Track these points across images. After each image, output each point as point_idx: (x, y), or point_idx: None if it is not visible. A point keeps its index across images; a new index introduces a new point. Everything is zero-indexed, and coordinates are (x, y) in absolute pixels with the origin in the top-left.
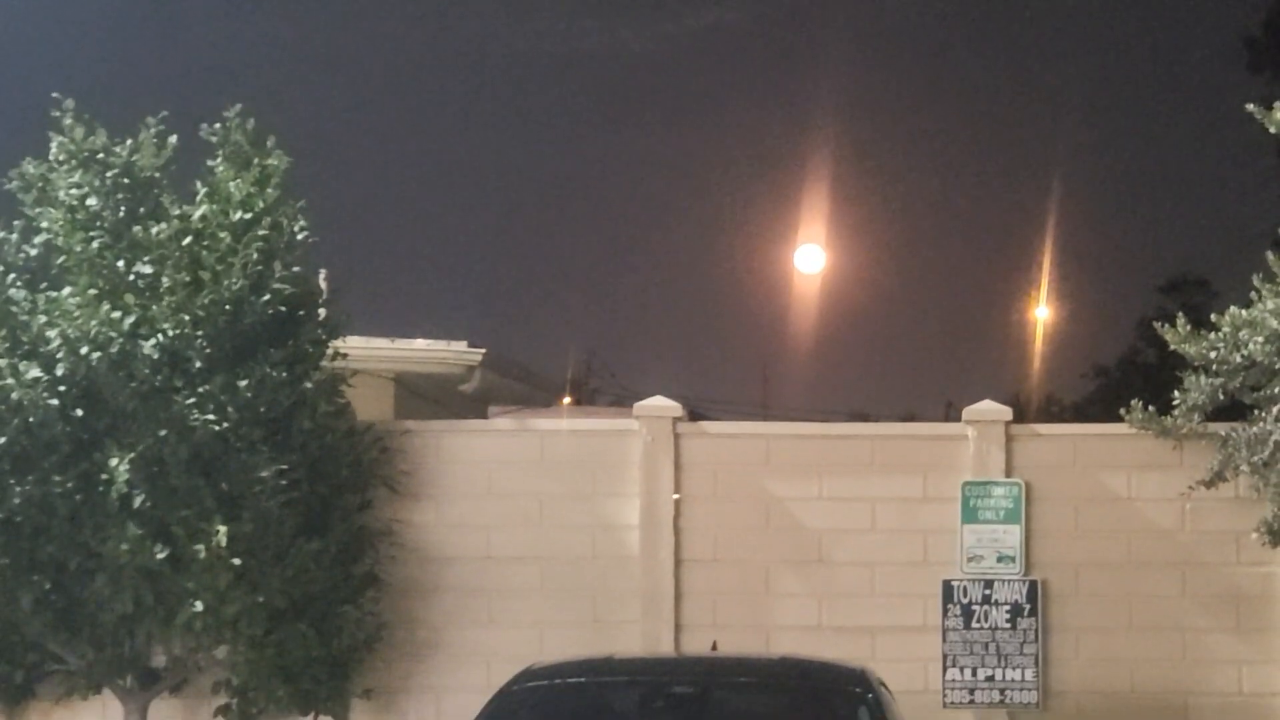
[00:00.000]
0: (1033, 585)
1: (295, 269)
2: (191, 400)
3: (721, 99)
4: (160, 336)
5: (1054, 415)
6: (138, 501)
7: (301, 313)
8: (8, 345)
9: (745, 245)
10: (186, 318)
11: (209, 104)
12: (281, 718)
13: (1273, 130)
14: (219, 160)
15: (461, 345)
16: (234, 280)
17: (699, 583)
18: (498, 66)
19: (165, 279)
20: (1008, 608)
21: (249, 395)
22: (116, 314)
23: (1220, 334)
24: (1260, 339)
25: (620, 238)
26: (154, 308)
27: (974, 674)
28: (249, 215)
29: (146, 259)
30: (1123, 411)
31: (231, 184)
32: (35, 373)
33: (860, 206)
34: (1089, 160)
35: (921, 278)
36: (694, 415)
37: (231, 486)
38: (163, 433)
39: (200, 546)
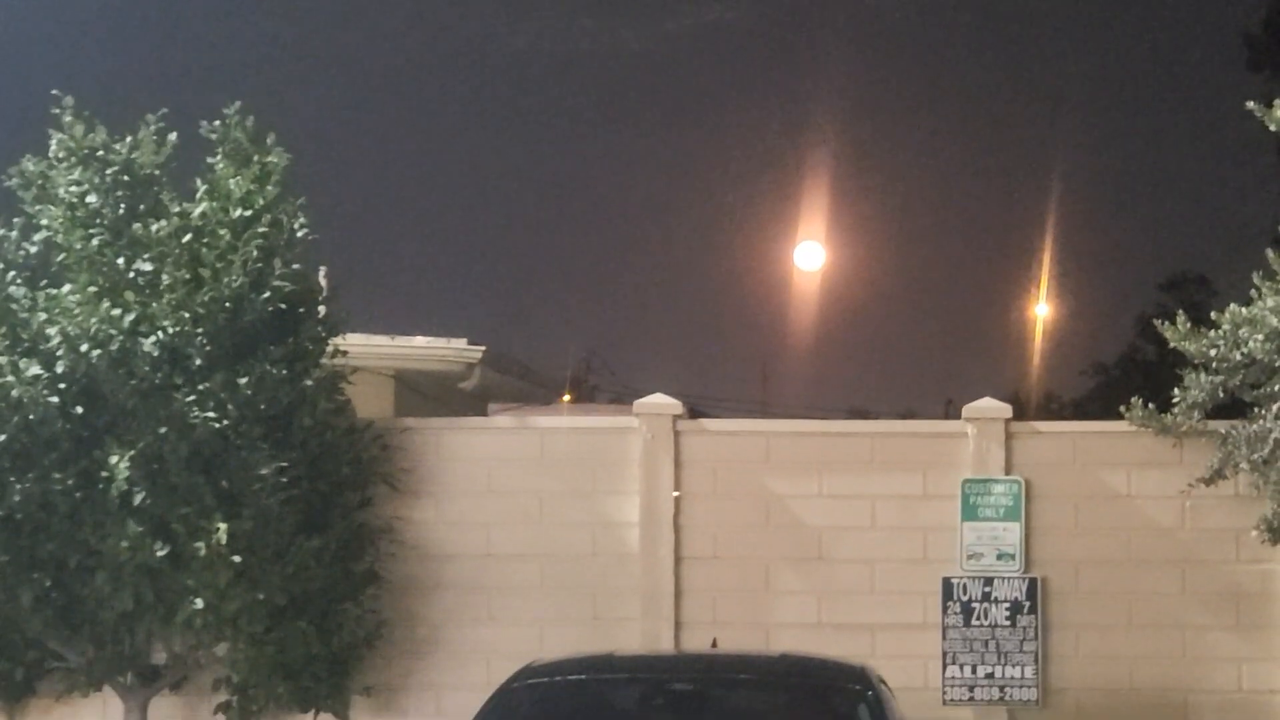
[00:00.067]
0: (1032, 583)
1: (295, 266)
2: (191, 398)
3: (721, 97)
4: (160, 334)
5: (1054, 413)
6: (138, 499)
7: (301, 310)
8: (8, 343)
9: (745, 243)
10: (186, 315)
11: (209, 101)
12: (282, 715)
13: (1272, 128)
14: (219, 157)
15: (461, 343)
16: (234, 278)
17: (699, 580)
18: (497, 65)
19: (165, 276)
20: (1007, 605)
21: (249, 393)
22: (116, 311)
23: (1220, 331)
24: (1260, 336)
25: (620, 236)
26: (154, 305)
27: (974, 671)
28: (249, 212)
29: (146, 256)
30: (1123, 409)
31: (231, 181)
32: (35, 370)
33: (860, 204)
34: (1089, 157)
35: (921, 275)
36: (694, 413)
37: (232, 484)
38: (163, 430)
39: (200, 544)
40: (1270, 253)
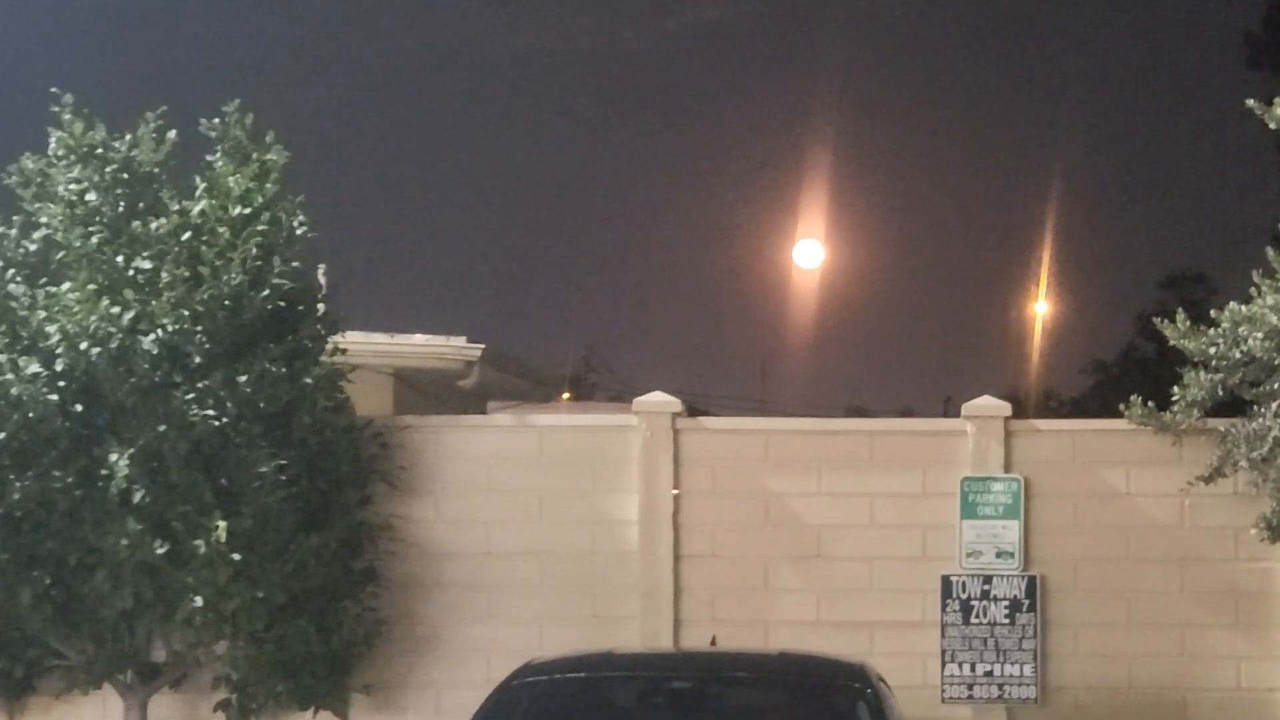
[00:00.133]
0: (1031, 580)
1: (294, 264)
2: (191, 395)
3: (720, 96)
4: (159, 332)
5: (1053, 410)
6: (137, 497)
7: (301, 308)
8: (7, 341)
9: (744, 241)
10: (186, 313)
11: (208, 99)
12: (281, 713)
13: (1272, 126)
14: (218, 155)
15: (460, 341)
16: (233, 275)
17: (698, 578)
18: (496, 64)
19: (164, 274)
20: (1006, 603)
21: (248, 390)
22: (116, 309)
23: (1220, 330)
24: (1260, 334)
25: (619, 234)
26: (153, 303)
27: (973, 669)
28: (248, 210)
29: (146, 254)
30: (1122, 407)
31: (230, 179)
32: (35, 368)
33: (859, 202)
34: (1088, 155)
35: (920, 273)
36: (693, 411)
37: (231, 482)
38: (162, 428)
39: (200, 542)
40: (1270, 251)
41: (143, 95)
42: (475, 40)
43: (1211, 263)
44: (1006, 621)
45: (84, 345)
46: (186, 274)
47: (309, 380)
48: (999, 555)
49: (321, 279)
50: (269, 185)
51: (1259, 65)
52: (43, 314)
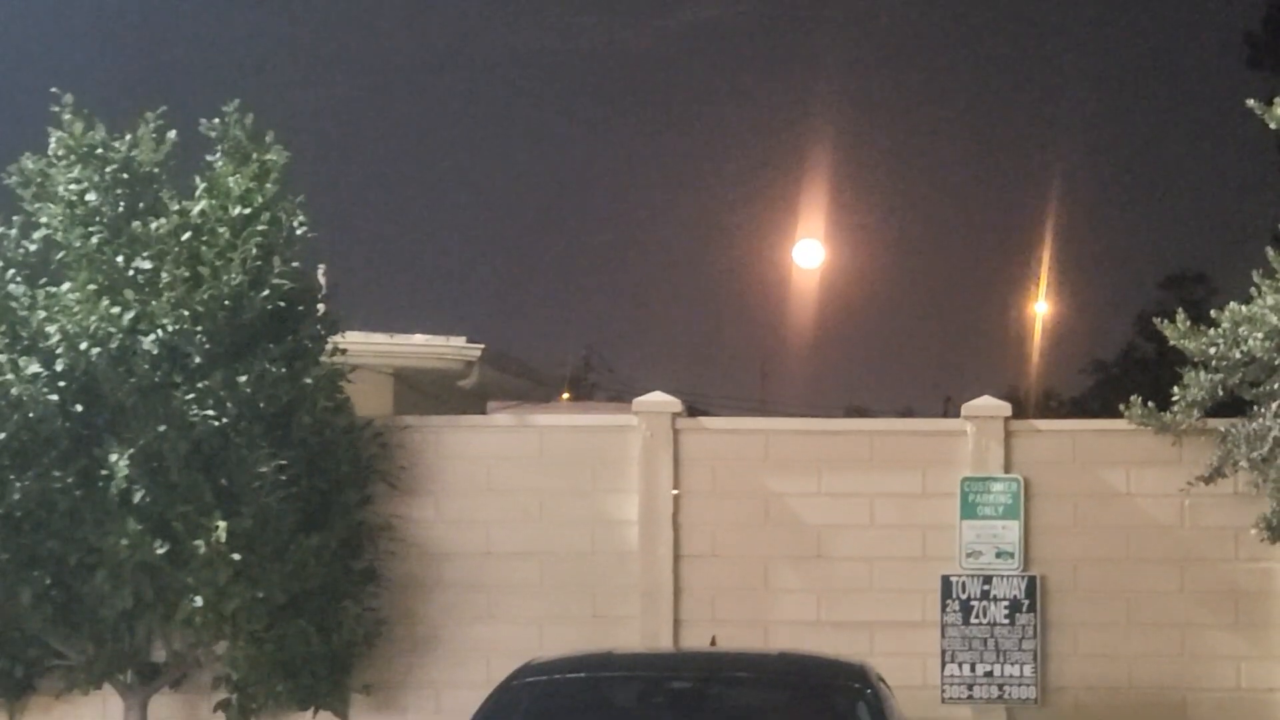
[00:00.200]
0: (1031, 581)
1: (294, 264)
2: (191, 396)
3: (720, 95)
4: (160, 332)
5: (1053, 410)
6: (137, 497)
7: (300, 308)
8: (7, 341)
9: (744, 240)
10: (186, 313)
11: (208, 99)
12: (281, 713)
13: (1273, 126)
14: (218, 155)
15: (460, 341)
16: (233, 275)
17: (698, 578)
18: (496, 62)
19: (164, 274)
20: (1006, 603)
21: (248, 391)
22: (116, 309)
23: (1220, 330)
24: (1260, 335)
25: (619, 233)
26: (153, 303)
27: (972, 669)
28: (248, 210)
29: (146, 254)
30: (1122, 407)
31: (230, 179)
32: (35, 368)
33: (859, 202)
34: (1088, 155)
35: (920, 273)
36: (693, 411)
37: (231, 482)
38: (162, 428)
39: (200, 542)
40: (1270, 251)
41: (143, 95)
42: (475, 40)
43: (1211, 263)
44: (1006, 622)
45: (84, 345)
46: (186, 274)
47: (309, 380)
48: (999, 555)
49: (321, 279)
50: (269, 185)
51: (1259, 65)
52: (43, 314)
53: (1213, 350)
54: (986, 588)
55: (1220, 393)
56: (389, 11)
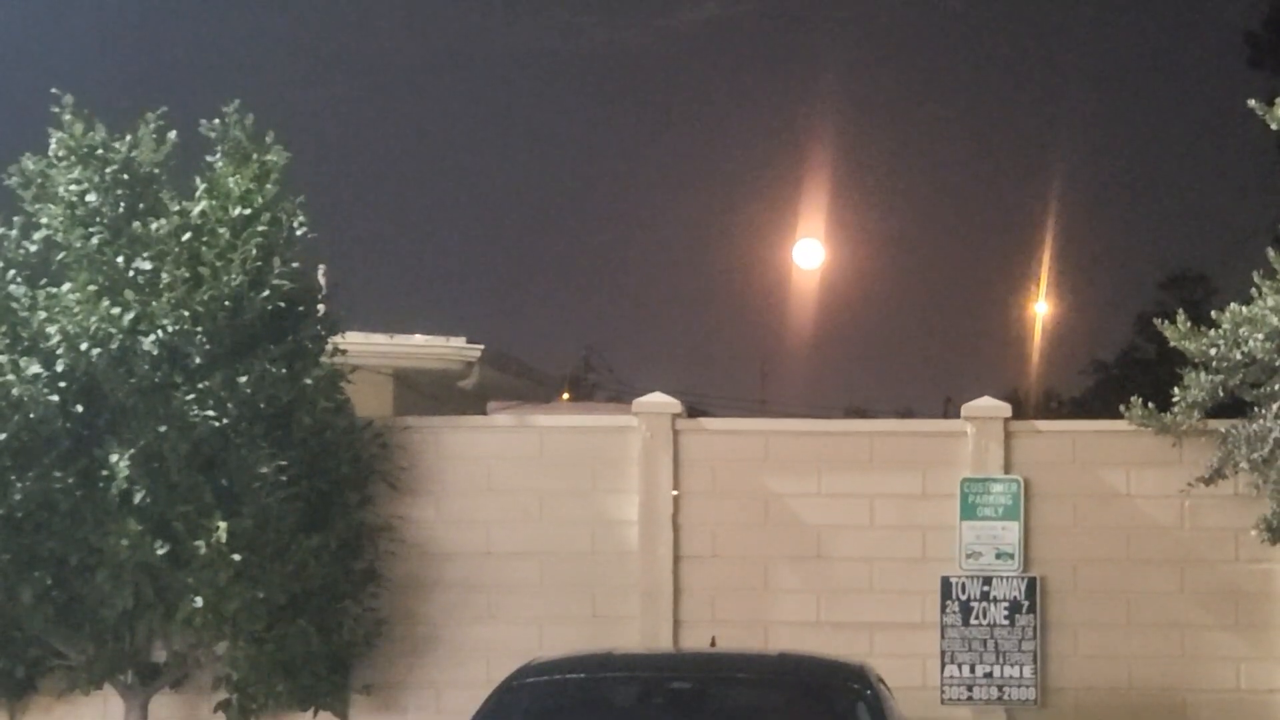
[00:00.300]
0: (1031, 582)
1: (294, 265)
2: (191, 396)
3: (720, 94)
4: (160, 332)
5: (1053, 411)
6: (138, 497)
7: (301, 309)
8: (8, 341)
9: (744, 241)
10: (186, 314)
11: (208, 99)
12: (281, 713)
13: (1273, 126)
14: (218, 156)
15: (460, 341)
16: (233, 276)
17: (698, 578)
18: (496, 62)
19: (165, 275)
20: (1006, 604)
21: (248, 391)
22: (116, 310)
23: (1220, 331)
24: (1260, 336)
25: (618, 234)
26: (154, 304)
27: (972, 670)
28: (248, 211)
29: (146, 255)
30: (1122, 408)
31: (230, 180)
32: (35, 369)
33: (860, 202)
34: (1089, 155)
35: (921, 273)
36: (693, 411)
37: (231, 482)
38: (163, 428)
39: (200, 542)
40: (1271, 252)
41: (143, 95)
42: (475, 40)
43: (1211, 263)
44: (1006, 623)
45: (84, 346)
46: (187, 275)
47: (309, 381)
48: (999, 556)
49: (321, 279)
50: (269, 186)
51: (1260, 65)
52: (43, 315)
53: (1213, 351)
54: (986, 589)
55: (1221, 394)
56: (389, 11)
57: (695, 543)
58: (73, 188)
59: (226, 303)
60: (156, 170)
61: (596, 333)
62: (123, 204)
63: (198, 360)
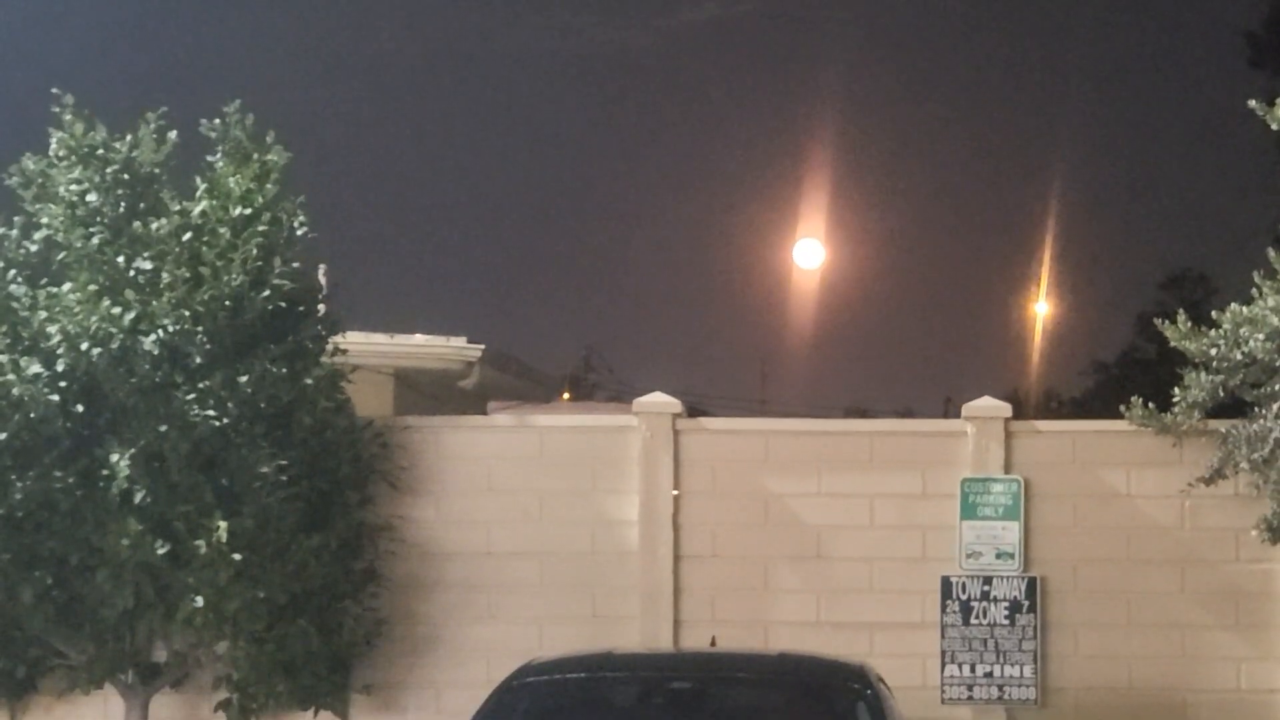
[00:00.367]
0: (1031, 582)
1: (295, 265)
2: (192, 396)
3: (720, 94)
4: (160, 332)
5: (1053, 411)
6: (138, 497)
7: (301, 308)
8: (8, 341)
9: (744, 240)
10: (186, 313)
11: (208, 99)
12: (282, 713)
13: (1274, 126)
14: (218, 156)
15: (461, 341)
16: (234, 276)
17: (698, 578)
18: (496, 62)
19: (165, 275)
20: (1006, 604)
21: (249, 391)
22: (117, 310)
23: (1221, 331)
24: (1261, 336)
25: (619, 234)
26: (154, 303)
27: (972, 670)
28: (248, 211)
29: (146, 255)
30: (1122, 408)
31: (231, 179)
32: (36, 368)
33: (860, 201)
34: (1089, 155)
35: (921, 273)
36: (693, 411)
37: (232, 482)
38: (163, 428)
39: (201, 542)
40: (1271, 252)
41: (143, 95)
42: (475, 40)
43: (1212, 263)
44: (1006, 623)
45: (85, 346)
46: (187, 274)
47: (309, 381)
48: (999, 556)
49: (321, 279)
50: (269, 186)
51: (1260, 65)
52: (44, 314)
53: (1213, 351)
54: (986, 588)
55: (1221, 394)
56: (389, 12)
57: (695, 543)
58: (73, 187)
59: (227, 302)
60: (157, 170)
61: (596, 333)
62: (123, 204)
63: (198, 360)
